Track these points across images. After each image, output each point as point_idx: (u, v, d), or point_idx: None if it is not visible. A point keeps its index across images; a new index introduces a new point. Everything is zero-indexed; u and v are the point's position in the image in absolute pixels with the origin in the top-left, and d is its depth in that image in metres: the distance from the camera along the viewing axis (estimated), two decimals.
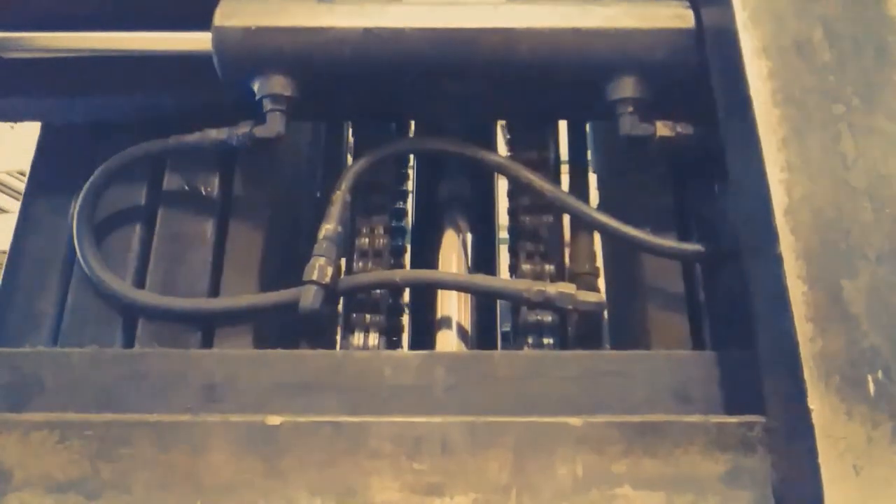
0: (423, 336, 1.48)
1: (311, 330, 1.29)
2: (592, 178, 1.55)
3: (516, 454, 0.89)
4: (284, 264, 1.35)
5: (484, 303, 1.51)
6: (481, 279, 1.27)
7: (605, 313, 1.38)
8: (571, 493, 0.87)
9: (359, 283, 1.26)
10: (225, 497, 0.88)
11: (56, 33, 1.24)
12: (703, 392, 0.97)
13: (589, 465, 0.88)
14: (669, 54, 1.16)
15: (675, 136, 1.19)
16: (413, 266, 1.60)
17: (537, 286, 1.20)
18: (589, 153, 1.58)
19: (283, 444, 0.91)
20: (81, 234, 1.25)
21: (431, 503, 0.86)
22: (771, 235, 0.87)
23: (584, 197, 1.46)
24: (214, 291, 1.27)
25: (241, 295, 1.23)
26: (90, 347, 1.09)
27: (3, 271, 1.31)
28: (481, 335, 1.46)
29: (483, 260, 1.56)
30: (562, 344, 1.32)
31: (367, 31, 1.16)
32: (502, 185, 1.66)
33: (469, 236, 1.52)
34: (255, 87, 1.19)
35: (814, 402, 0.78)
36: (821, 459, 0.76)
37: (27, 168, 1.38)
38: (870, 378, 0.79)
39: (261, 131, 1.19)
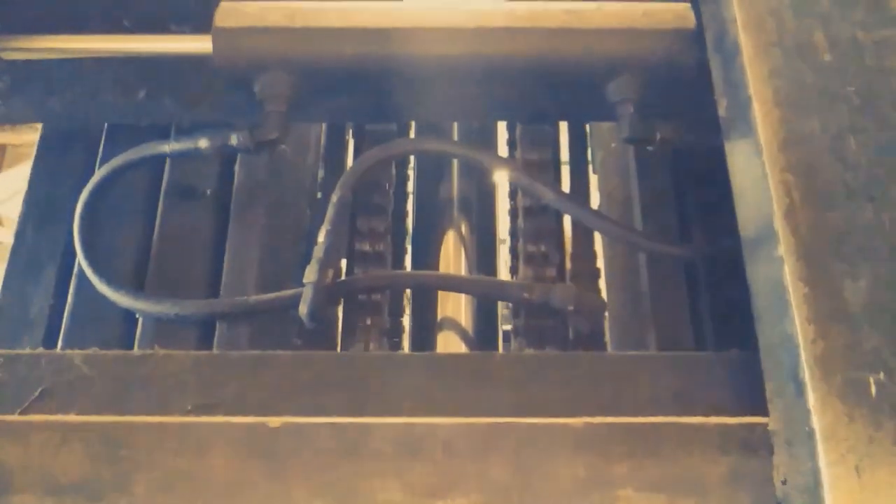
0: (424, 337, 1.49)
1: (311, 331, 1.29)
2: (593, 178, 1.55)
3: (517, 456, 0.89)
4: (284, 265, 1.35)
5: (485, 304, 1.51)
6: (482, 280, 1.27)
7: (606, 314, 1.38)
8: (572, 494, 0.86)
9: (359, 285, 1.26)
10: (226, 499, 0.88)
11: (57, 35, 1.24)
12: (705, 394, 0.97)
13: (590, 466, 0.87)
14: (670, 55, 1.16)
15: (675, 137, 1.19)
16: (414, 267, 1.60)
17: (538, 287, 1.20)
18: (589, 153, 1.58)
19: (284, 446, 0.90)
20: (82, 234, 1.25)
21: None
22: (772, 236, 0.87)
23: (584, 197, 1.46)
24: (214, 292, 1.27)
25: (241, 296, 1.23)
26: (90, 349, 1.09)
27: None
28: (482, 336, 1.46)
29: (483, 261, 1.56)
30: (562, 345, 1.32)
31: (367, 31, 1.16)
32: (503, 186, 1.66)
33: (469, 237, 1.52)
34: (255, 88, 1.19)
35: (815, 404, 0.78)
36: (822, 461, 0.76)
37: None
38: (871, 379, 0.79)
39: (261, 133, 1.19)
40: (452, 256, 1.45)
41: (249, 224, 1.31)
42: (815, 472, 0.76)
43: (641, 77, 1.16)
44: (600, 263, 1.41)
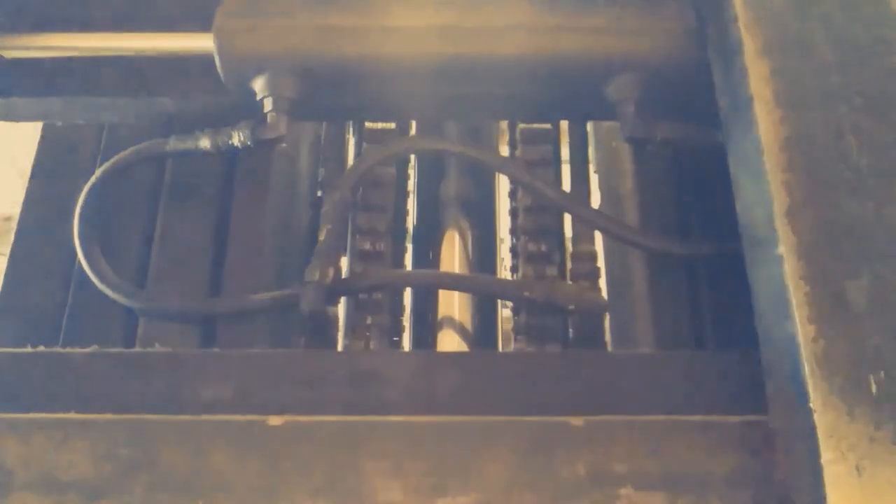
0: (425, 336, 1.49)
1: (312, 330, 1.29)
2: (593, 178, 1.55)
3: (518, 454, 0.89)
4: (285, 264, 1.35)
5: (485, 302, 1.51)
6: (482, 279, 1.27)
7: (607, 313, 1.38)
8: (573, 493, 0.86)
9: (360, 284, 1.26)
10: (226, 498, 0.88)
11: (57, 33, 1.24)
12: (705, 392, 0.97)
13: (591, 465, 0.88)
14: (671, 54, 1.16)
15: (676, 136, 1.19)
16: (414, 266, 1.60)
17: (539, 285, 1.20)
18: (590, 152, 1.58)
19: (285, 444, 0.91)
20: (82, 234, 1.25)
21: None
22: (772, 236, 0.87)
23: (585, 196, 1.46)
24: (214, 291, 1.27)
25: (242, 295, 1.23)
26: (91, 347, 1.09)
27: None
28: (482, 335, 1.46)
29: (484, 260, 1.56)
30: (563, 344, 1.32)
31: (368, 29, 1.16)
32: (503, 185, 1.66)
33: (470, 236, 1.52)
34: (256, 87, 1.18)
35: (816, 402, 0.78)
36: (823, 460, 0.76)
37: None
38: (872, 378, 0.79)
39: (262, 132, 1.19)
40: (453, 255, 1.45)
41: (250, 223, 1.31)
42: (816, 471, 0.77)
43: (642, 76, 1.16)
44: (601, 262, 1.41)
